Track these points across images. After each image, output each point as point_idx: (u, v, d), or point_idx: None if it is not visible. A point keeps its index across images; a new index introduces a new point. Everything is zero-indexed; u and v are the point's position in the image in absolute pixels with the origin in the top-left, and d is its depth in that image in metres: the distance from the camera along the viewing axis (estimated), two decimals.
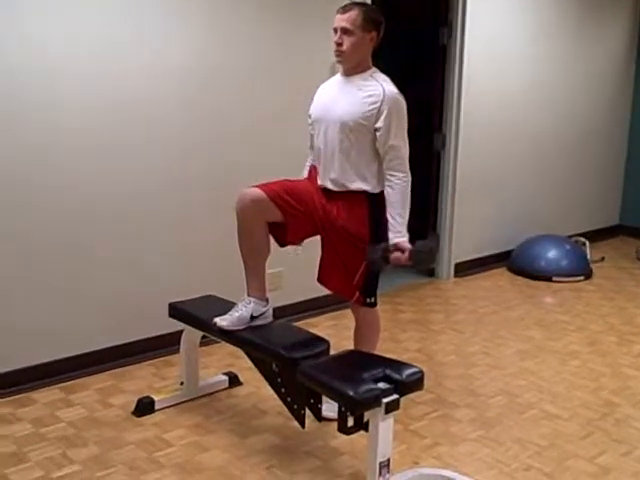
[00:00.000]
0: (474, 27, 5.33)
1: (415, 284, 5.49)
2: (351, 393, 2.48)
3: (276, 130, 4.29)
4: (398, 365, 2.73)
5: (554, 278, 5.62)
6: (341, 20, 3.02)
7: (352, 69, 3.09)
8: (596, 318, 4.83)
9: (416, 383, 2.67)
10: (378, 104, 2.97)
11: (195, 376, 3.46)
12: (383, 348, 4.06)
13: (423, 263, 3.02)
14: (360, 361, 2.80)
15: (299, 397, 2.86)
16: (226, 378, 3.60)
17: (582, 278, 5.70)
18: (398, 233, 2.99)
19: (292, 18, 4.27)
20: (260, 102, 4.21)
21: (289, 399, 2.92)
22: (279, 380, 2.94)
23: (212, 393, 3.53)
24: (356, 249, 3.07)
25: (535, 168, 6.23)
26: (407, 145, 3.06)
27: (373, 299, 3.19)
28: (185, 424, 3.23)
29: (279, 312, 4.28)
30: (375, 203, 3.05)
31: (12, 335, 3.45)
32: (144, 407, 3.29)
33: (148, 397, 3.33)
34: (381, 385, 2.58)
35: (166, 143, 3.86)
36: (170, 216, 3.94)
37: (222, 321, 3.03)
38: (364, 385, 2.54)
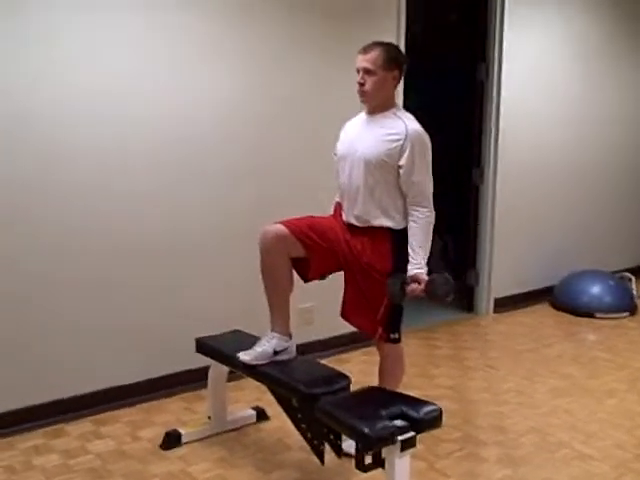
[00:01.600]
0: (511, 62, 5.35)
1: (453, 320, 5.45)
2: (366, 430, 2.47)
3: (308, 165, 4.35)
4: (416, 402, 2.71)
5: (597, 314, 5.52)
6: (363, 60, 3.07)
7: (376, 108, 3.13)
8: (638, 356, 4.71)
9: (434, 421, 2.64)
10: (401, 142, 2.99)
11: (223, 410, 3.49)
12: (414, 384, 4.07)
13: (439, 294, 2.97)
14: (378, 398, 2.78)
15: (318, 433, 2.86)
16: (254, 413, 3.62)
17: (626, 314, 5.58)
18: (417, 265, 2.99)
19: (325, 56, 4.35)
20: (293, 138, 4.29)
21: (309, 435, 2.92)
22: (299, 416, 2.95)
23: (240, 427, 3.56)
24: (379, 285, 3.08)
25: (578, 202, 6.15)
26: (431, 182, 3.07)
27: (397, 335, 3.18)
28: (210, 458, 3.26)
29: (311, 347, 4.35)
30: (399, 239, 3.06)
31: (49, 368, 3.55)
32: (171, 440, 3.34)
33: (175, 430, 3.38)
34: (397, 422, 2.56)
35: (197, 180, 3.95)
36: (200, 251, 4.01)
37: (245, 356, 3.06)
38: (379, 422, 2.53)
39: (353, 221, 3.13)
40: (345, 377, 2.95)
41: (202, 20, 3.84)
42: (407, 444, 2.53)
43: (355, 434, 2.53)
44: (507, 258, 5.65)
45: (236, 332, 3.50)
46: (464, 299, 5.71)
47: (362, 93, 3.10)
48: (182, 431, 3.38)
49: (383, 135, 3.04)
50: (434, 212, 3.07)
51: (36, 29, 3.32)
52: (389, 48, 3.11)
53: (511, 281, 5.75)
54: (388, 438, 2.50)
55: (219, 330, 3.54)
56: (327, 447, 2.91)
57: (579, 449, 3.40)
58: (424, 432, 2.64)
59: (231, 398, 3.78)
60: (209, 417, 3.48)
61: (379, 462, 2.64)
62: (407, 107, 6.01)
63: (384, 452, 2.59)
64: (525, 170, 5.65)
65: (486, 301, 5.61)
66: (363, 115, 3.23)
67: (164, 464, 3.19)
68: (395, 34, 4.65)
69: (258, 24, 4.06)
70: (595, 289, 5.66)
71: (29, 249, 3.44)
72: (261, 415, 3.63)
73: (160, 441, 3.36)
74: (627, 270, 6.32)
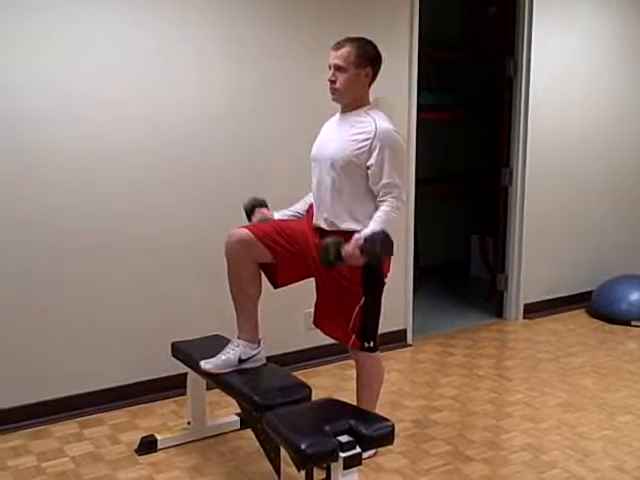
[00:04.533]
0: (540, 59, 5.09)
1: (479, 326, 5.23)
2: (302, 446, 2.35)
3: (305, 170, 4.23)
4: (369, 417, 2.57)
5: (633, 322, 5.19)
6: (334, 57, 2.96)
7: (348, 106, 3.03)
8: None
9: (383, 438, 2.49)
10: (370, 141, 2.87)
11: (202, 416, 3.43)
12: (417, 392, 3.95)
13: (377, 251, 2.74)
14: (330, 411, 2.65)
15: (273, 445, 2.76)
16: (237, 419, 3.53)
17: None
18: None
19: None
20: (290, 141, 4.15)
21: (267, 446, 2.82)
22: (259, 426, 2.85)
23: (221, 434, 3.48)
24: (349, 292, 2.95)
25: (617, 203, 5.80)
26: (403, 184, 2.93)
27: (372, 344, 3.05)
28: (182, 465, 3.19)
29: (312, 353, 4.26)
30: None
31: (36, 369, 3.57)
32: (146, 446, 3.29)
33: (151, 436, 3.33)
34: (342, 438, 2.43)
35: (183, 182, 3.88)
36: (197, 250, 3.94)
37: (206, 364, 2.99)
38: (320, 438, 2.40)
39: (322, 224, 3.01)
40: (306, 387, 2.84)
41: (197, 16, 3.79)
42: (351, 461, 2.40)
43: (293, 450, 2.41)
44: (539, 262, 5.39)
45: (215, 337, 3.41)
46: (493, 304, 5.49)
47: (333, 91, 3.00)
48: (158, 436, 3.33)
49: (352, 134, 2.92)
50: (402, 205, 2.95)
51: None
52: (361, 44, 2.98)
53: (544, 286, 5.48)
54: (328, 455, 2.38)
55: (218, 332, 3.47)
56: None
57: (572, 470, 3.18)
58: (372, 449, 2.51)
59: (223, 402, 3.72)
60: (188, 422, 3.42)
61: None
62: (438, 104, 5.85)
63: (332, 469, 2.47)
64: (557, 170, 5.37)
65: (515, 306, 5.36)
66: (337, 114, 3.11)
67: (133, 470, 3.15)
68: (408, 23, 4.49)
69: (255, 22, 3.96)
70: (635, 295, 5.32)
71: (6, 250, 3.45)
72: (245, 422, 3.54)
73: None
74: None
